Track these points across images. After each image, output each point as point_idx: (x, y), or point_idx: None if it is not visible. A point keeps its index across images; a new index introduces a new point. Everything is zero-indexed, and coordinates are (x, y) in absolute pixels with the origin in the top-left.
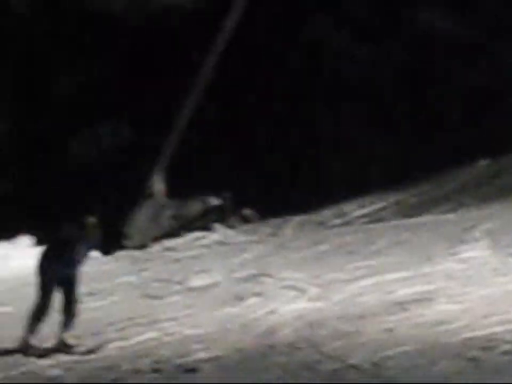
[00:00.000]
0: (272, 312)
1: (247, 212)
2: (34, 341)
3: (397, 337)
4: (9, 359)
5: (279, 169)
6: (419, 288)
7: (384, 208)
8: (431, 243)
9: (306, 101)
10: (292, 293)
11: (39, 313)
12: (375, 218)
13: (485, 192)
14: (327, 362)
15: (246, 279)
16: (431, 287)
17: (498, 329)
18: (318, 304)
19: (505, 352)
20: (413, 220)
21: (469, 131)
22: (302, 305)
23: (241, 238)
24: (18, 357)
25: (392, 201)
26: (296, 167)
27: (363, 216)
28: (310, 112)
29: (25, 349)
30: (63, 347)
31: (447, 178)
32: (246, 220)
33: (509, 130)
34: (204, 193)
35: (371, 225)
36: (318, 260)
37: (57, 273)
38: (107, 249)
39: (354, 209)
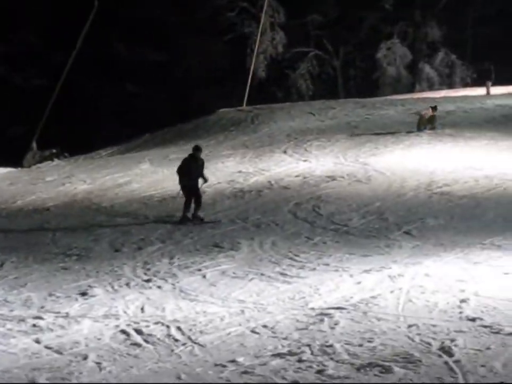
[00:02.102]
0: None
1: (66, 154)
2: (188, 215)
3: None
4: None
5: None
6: None
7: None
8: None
9: None
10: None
11: (187, 203)
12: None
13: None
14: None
15: (66, 178)
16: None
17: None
18: None
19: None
20: (166, 150)
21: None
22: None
23: (63, 163)
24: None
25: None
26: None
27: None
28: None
29: (183, 219)
30: (197, 218)
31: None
32: (65, 157)
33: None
34: (50, 147)
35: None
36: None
37: (187, 183)
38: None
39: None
